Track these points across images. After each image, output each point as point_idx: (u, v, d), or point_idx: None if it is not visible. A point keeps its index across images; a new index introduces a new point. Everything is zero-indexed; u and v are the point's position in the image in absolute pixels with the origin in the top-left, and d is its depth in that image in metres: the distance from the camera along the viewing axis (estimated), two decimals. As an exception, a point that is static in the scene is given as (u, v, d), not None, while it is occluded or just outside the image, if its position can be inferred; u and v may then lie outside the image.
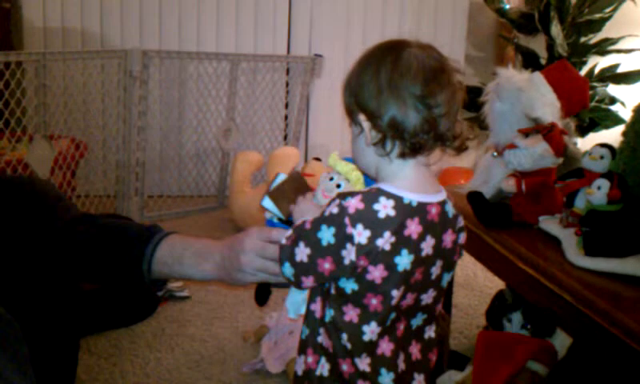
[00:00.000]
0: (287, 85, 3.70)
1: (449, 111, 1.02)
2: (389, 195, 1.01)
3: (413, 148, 1.03)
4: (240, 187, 3.13)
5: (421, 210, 1.03)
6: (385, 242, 1.00)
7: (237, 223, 3.15)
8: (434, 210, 1.05)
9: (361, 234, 0.99)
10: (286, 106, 3.74)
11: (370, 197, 1.01)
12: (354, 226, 0.99)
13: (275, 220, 1.27)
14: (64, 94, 2.91)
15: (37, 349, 1.49)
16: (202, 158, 3.60)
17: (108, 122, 3.19)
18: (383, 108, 1.02)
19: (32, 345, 1.45)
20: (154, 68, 3.20)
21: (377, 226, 1.00)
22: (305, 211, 1.13)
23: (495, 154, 1.83)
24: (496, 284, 2.41)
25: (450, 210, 1.09)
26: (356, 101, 1.05)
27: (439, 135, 1.03)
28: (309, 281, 1.05)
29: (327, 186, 1.22)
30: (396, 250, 1.01)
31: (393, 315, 1.07)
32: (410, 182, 1.04)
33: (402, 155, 1.04)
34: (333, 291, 1.07)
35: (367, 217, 1.00)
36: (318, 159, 3.44)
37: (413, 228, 1.02)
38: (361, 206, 1.00)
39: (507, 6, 3.70)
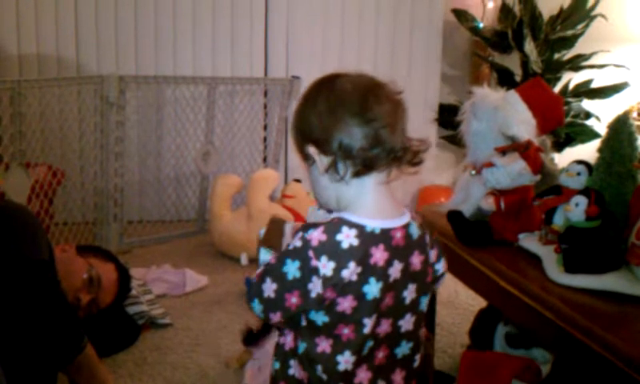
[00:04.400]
0: (265, 107, 3.71)
1: (391, 123, 1.04)
2: (351, 224, 1.02)
3: (364, 164, 1.04)
4: (220, 211, 3.12)
5: (385, 236, 1.04)
6: (351, 272, 1.00)
7: (217, 247, 3.13)
8: (398, 235, 1.06)
9: (325, 266, 0.99)
10: (265, 128, 3.74)
11: (333, 227, 1.02)
12: (318, 258, 0.99)
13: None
14: (40, 121, 2.88)
15: (15, 381, 1.47)
16: (182, 183, 3.59)
17: (85, 148, 3.17)
18: (327, 133, 1.04)
19: (10, 378, 1.43)
20: (130, 93, 3.19)
21: (341, 257, 1.00)
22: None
23: (473, 172, 1.84)
24: (478, 302, 2.41)
25: (415, 231, 1.09)
26: (302, 135, 1.08)
27: (388, 150, 1.04)
28: (276, 317, 1.05)
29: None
30: (363, 279, 1.02)
31: (370, 343, 1.06)
32: (371, 208, 1.05)
33: (357, 174, 1.04)
34: (304, 323, 1.06)
35: (331, 248, 1.00)
36: (298, 180, 3.44)
37: (378, 255, 1.03)
38: (324, 237, 1.00)
39: (481, 25, 3.75)
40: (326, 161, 1.05)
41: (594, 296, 1.31)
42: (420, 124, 3.83)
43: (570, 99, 3.60)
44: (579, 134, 3.59)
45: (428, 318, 1.96)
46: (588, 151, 2.80)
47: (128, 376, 2.02)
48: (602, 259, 1.35)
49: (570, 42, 3.59)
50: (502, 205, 1.63)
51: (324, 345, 1.05)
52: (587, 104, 3.68)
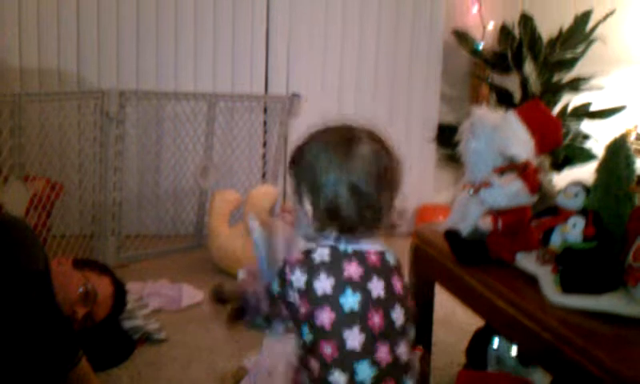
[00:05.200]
0: (265, 124, 3.72)
1: (388, 206, 1.14)
2: (325, 245, 1.11)
3: (345, 232, 1.12)
4: (218, 226, 3.11)
5: (358, 255, 1.12)
6: (323, 284, 1.07)
7: (214, 263, 3.12)
8: (373, 257, 1.13)
9: (299, 280, 1.08)
10: (264, 144, 3.74)
11: (310, 249, 1.12)
12: (292, 272, 1.09)
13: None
14: (40, 134, 2.89)
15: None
16: (180, 198, 3.58)
17: (84, 162, 3.17)
18: (327, 201, 1.11)
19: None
20: (131, 108, 3.20)
21: (312, 270, 1.09)
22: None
23: (471, 191, 1.84)
24: (475, 321, 2.40)
25: (392, 258, 1.17)
26: (305, 181, 1.14)
27: (373, 225, 1.14)
28: (278, 325, 1.17)
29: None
30: (339, 290, 1.08)
31: (374, 372, 1.07)
32: (346, 237, 1.14)
33: (338, 239, 1.13)
34: (301, 349, 1.12)
35: (304, 263, 1.10)
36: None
37: (352, 269, 1.09)
38: (301, 256, 1.11)
39: (481, 46, 3.77)
40: (315, 222, 1.13)
41: (591, 317, 1.31)
42: (419, 143, 3.86)
43: (568, 121, 3.61)
44: (578, 155, 3.60)
45: (424, 336, 1.96)
46: (587, 172, 2.80)
47: (122, 391, 2.01)
48: (599, 280, 1.34)
49: (569, 64, 3.61)
50: (500, 225, 1.63)
51: (314, 367, 1.09)
52: (586, 126, 3.69)
